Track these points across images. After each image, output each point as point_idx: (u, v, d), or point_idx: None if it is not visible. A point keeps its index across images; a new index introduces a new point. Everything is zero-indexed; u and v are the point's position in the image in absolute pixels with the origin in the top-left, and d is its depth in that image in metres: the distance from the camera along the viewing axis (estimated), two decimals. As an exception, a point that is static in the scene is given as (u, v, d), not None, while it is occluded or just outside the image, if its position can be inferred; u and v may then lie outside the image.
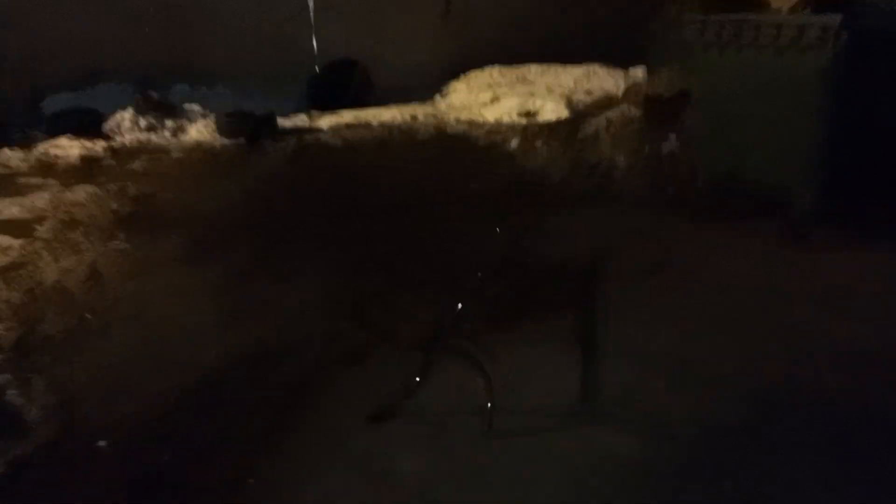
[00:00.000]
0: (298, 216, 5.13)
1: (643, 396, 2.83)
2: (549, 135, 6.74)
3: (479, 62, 11.60)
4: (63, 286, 3.75)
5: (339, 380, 2.99)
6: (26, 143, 7.21)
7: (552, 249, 4.37)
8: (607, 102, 6.95)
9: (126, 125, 7.92)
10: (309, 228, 4.86)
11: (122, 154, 7.07)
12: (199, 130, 8.05)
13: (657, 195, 5.38)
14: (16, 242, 4.36)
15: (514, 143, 6.96)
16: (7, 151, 6.91)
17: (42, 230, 4.60)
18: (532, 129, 7.41)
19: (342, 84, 10.22)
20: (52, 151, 7.01)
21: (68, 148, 7.12)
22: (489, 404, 2.63)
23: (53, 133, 7.60)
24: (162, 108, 8.35)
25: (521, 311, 3.57)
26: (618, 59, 11.31)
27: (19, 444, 2.48)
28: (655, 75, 7.10)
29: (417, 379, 2.73)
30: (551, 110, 8.20)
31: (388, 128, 8.39)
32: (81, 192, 5.51)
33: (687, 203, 5.17)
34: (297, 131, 8.22)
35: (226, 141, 7.68)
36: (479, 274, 3.47)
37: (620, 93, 6.88)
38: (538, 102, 8.58)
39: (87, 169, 6.45)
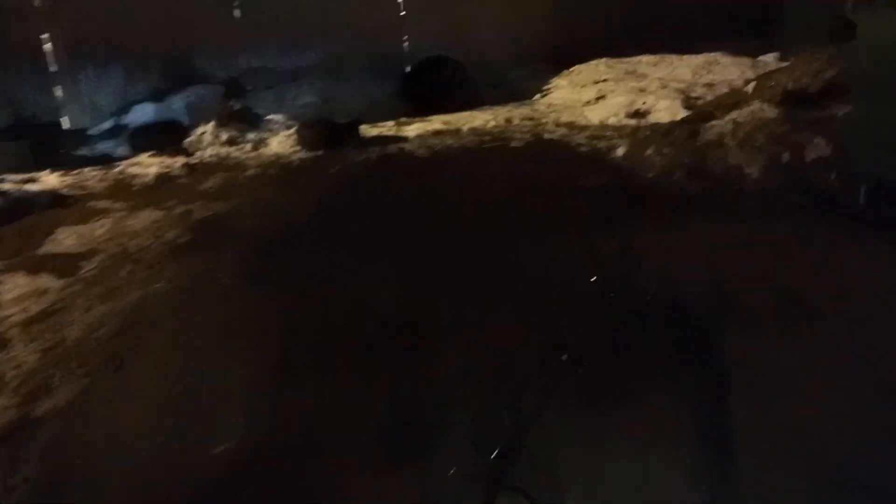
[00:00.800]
0: (370, 240, 4.49)
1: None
2: (662, 140, 5.73)
3: (581, 52, 10.57)
4: (87, 343, 3.29)
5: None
6: (107, 162, 7.06)
7: (664, 285, 3.48)
8: (733, 99, 5.83)
9: (207, 139, 7.63)
10: (381, 255, 4.20)
11: (198, 171, 6.74)
12: (281, 142, 7.64)
13: (801, 214, 4.36)
14: (56, 284, 3.99)
15: (621, 150, 6.00)
16: (87, 171, 6.76)
17: (88, 267, 4.23)
18: (642, 133, 6.41)
19: (436, 80, 9.63)
20: (130, 170, 6.79)
21: (147, 167, 6.87)
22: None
23: (137, 148, 7.45)
24: (244, 119, 8.02)
25: (618, 380, 2.74)
26: (745, 43, 9.98)
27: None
28: (796, 63, 5.90)
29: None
30: (665, 109, 7.15)
31: (479, 134, 7.63)
32: (143, 219, 5.15)
33: (841, 223, 4.14)
34: (382, 140, 7.64)
35: (305, 154, 7.21)
36: (564, 356, 2.66)
37: (750, 87, 5.73)
38: (650, 100, 7.53)
39: (159, 189, 6.14)
